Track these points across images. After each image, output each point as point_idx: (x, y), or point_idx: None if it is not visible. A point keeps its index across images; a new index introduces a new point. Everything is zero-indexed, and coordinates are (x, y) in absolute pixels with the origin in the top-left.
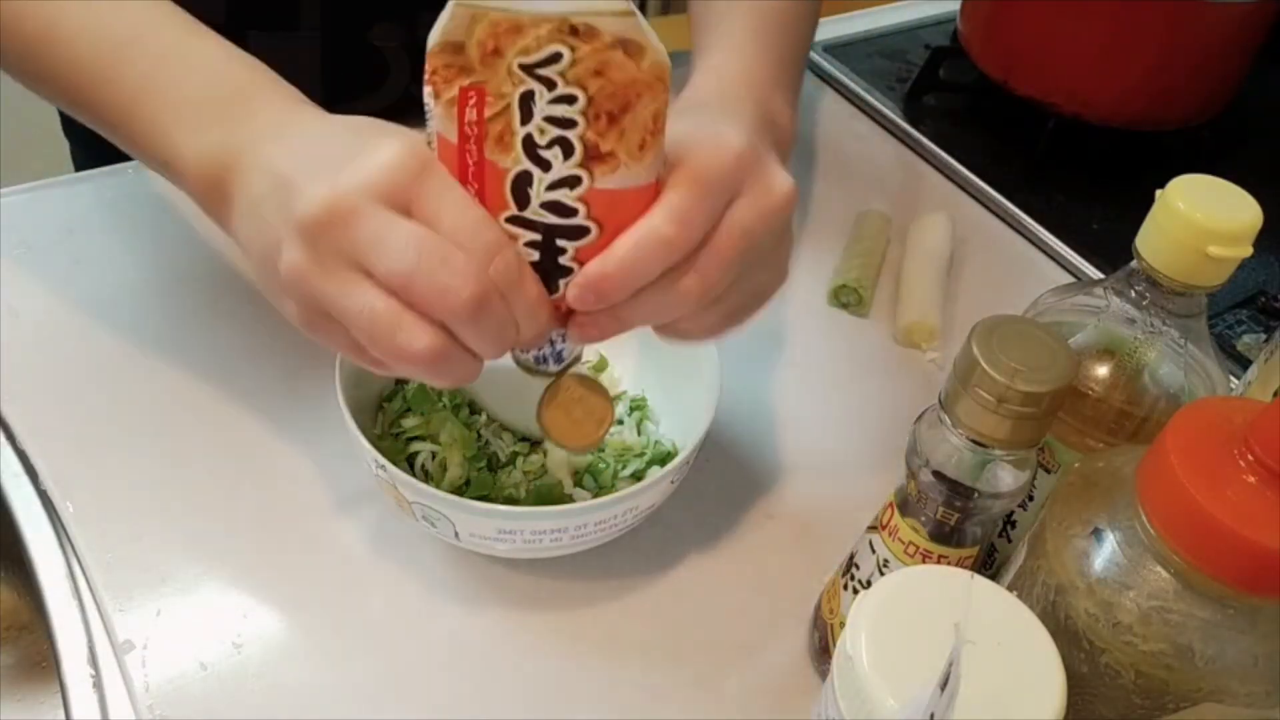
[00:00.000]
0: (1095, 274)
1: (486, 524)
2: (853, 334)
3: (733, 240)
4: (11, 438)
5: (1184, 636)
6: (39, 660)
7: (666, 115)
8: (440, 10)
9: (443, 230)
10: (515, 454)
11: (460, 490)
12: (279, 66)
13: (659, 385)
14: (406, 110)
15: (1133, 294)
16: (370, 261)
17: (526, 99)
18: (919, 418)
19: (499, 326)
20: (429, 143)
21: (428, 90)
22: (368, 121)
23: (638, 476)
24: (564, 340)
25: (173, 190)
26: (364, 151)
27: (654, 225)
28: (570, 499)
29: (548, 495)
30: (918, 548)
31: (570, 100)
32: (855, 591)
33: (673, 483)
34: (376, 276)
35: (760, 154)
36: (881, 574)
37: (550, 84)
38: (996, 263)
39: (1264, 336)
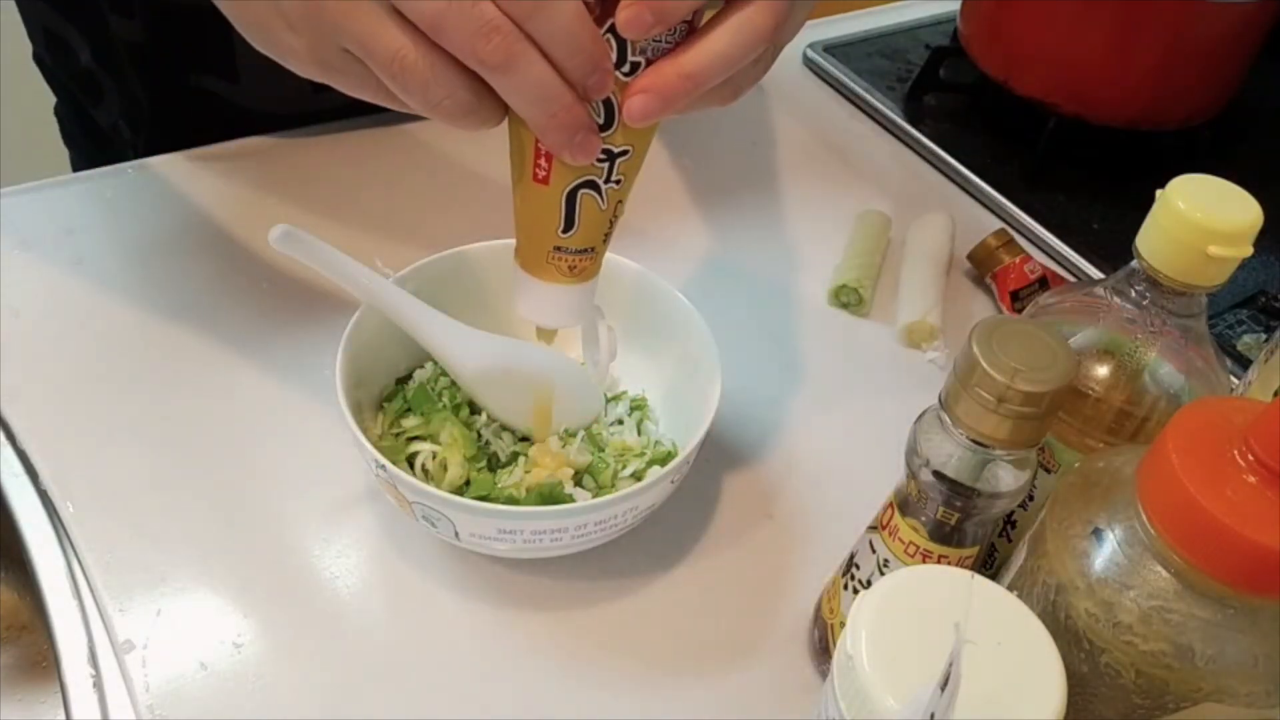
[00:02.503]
0: (1095, 274)
1: (486, 524)
2: (853, 334)
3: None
4: (11, 438)
5: (1184, 636)
6: (39, 660)
7: None
8: None
9: None
10: (515, 454)
11: (460, 490)
12: (268, 61)
13: (659, 385)
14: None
15: (1133, 294)
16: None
17: None
18: (919, 418)
19: (539, 79)
20: None
21: None
22: None
23: (638, 476)
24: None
25: (173, 191)
26: None
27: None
28: (570, 499)
29: (548, 495)
30: (918, 548)
31: None
32: (855, 591)
33: (673, 483)
34: (405, 13)
35: None
36: (881, 574)
37: None
38: None
39: (1264, 336)
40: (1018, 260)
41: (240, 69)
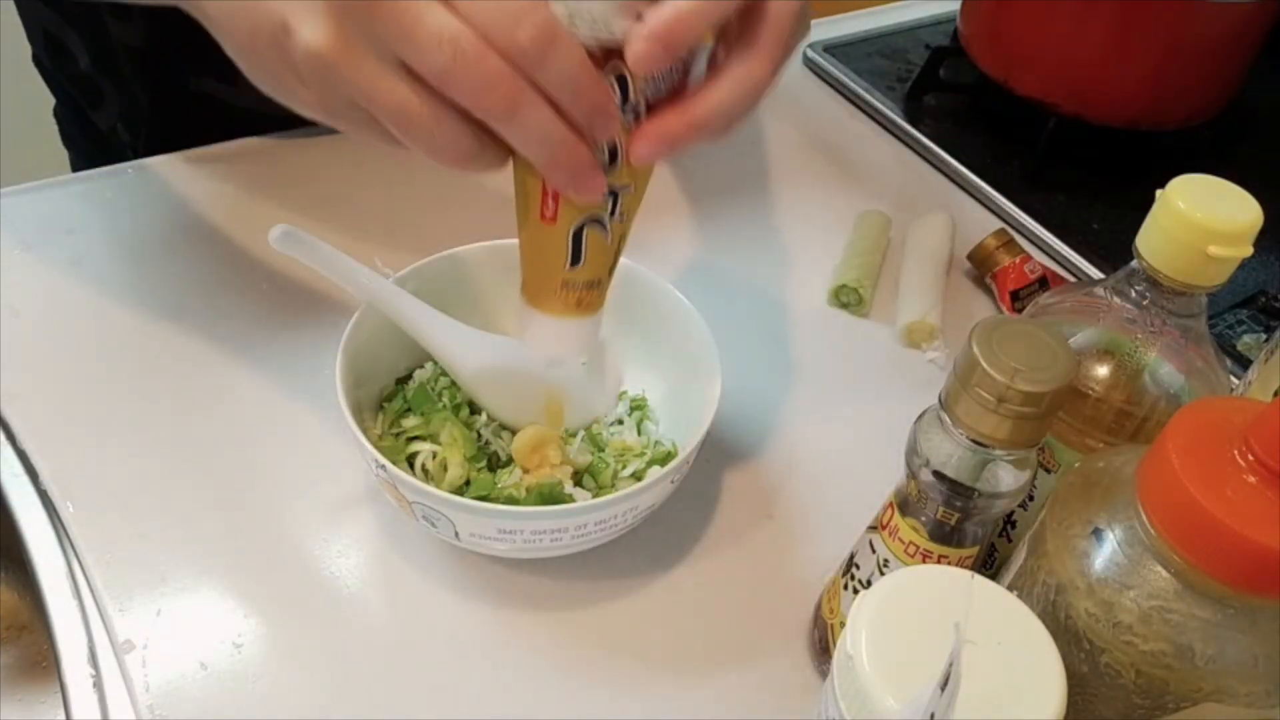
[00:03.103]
0: (1095, 274)
1: (486, 524)
2: (853, 334)
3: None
4: (11, 438)
5: (1184, 636)
6: (39, 660)
7: None
8: None
9: (478, 24)
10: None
11: (460, 490)
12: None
13: (659, 385)
14: None
15: (1133, 294)
16: (405, 53)
17: None
18: (919, 418)
19: (544, 125)
20: None
21: None
22: None
23: (638, 476)
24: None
25: (172, 191)
26: None
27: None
28: (570, 499)
29: (548, 495)
30: (918, 548)
31: None
32: (855, 591)
33: (673, 483)
34: (411, 68)
35: None
36: (881, 574)
37: None
38: None
39: (1264, 336)
40: (1018, 260)
41: (239, 71)
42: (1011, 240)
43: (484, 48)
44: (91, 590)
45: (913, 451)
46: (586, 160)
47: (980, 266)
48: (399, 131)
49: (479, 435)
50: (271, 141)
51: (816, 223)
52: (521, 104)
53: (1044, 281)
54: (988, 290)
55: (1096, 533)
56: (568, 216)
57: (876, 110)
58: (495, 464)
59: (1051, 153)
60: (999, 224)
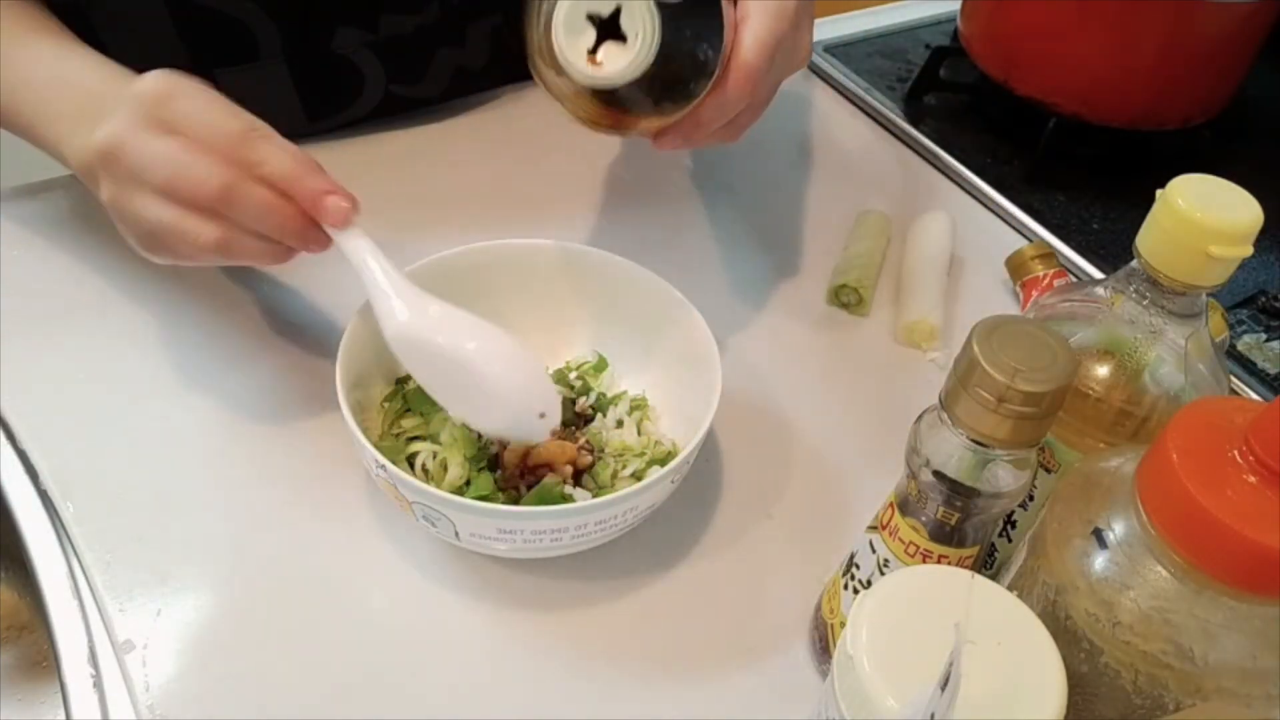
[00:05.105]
0: (1095, 274)
1: (486, 524)
2: (853, 334)
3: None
4: (11, 438)
5: (1184, 636)
6: (39, 660)
7: None
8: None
9: (193, 136)
10: None
11: (460, 490)
12: (252, 100)
13: (659, 385)
14: (391, 111)
15: (1133, 294)
16: (145, 179)
17: None
18: (919, 418)
19: (259, 206)
20: None
21: None
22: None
23: (638, 476)
24: None
25: None
26: (126, 90)
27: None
28: (570, 499)
29: (548, 495)
30: (918, 548)
31: None
32: (855, 591)
33: (673, 483)
34: (153, 189)
35: None
36: (881, 574)
37: None
38: (996, 263)
39: (1264, 336)
40: (1050, 274)
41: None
42: (1050, 254)
43: (196, 156)
44: (91, 590)
45: (913, 451)
46: (304, 224)
47: (1014, 273)
48: (166, 240)
49: (479, 435)
50: None
51: (816, 223)
52: (235, 190)
53: None
54: (1011, 294)
55: (1096, 533)
56: None
57: (876, 110)
58: (495, 464)
59: (1051, 153)
60: (999, 224)
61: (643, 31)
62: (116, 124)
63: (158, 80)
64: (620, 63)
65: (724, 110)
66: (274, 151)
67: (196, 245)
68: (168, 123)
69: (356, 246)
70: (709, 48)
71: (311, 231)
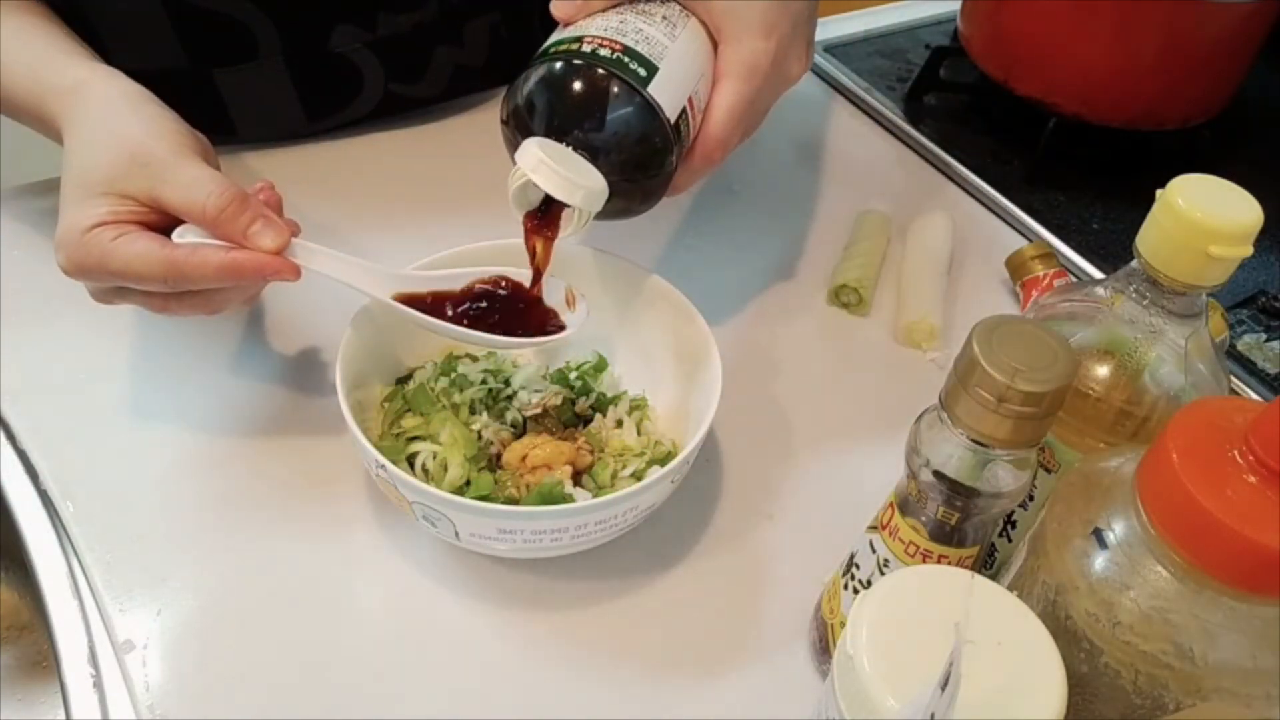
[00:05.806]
0: (1095, 274)
1: (486, 524)
2: (853, 334)
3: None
4: (11, 438)
5: (1184, 636)
6: (39, 660)
7: None
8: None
9: (124, 264)
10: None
11: (460, 490)
12: (252, 100)
13: (659, 385)
14: (391, 111)
15: (1133, 294)
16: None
17: None
18: (919, 418)
19: (193, 300)
20: None
21: None
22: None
23: (638, 476)
24: None
25: None
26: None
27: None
28: (570, 499)
29: (548, 495)
30: (918, 548)
31: None
32: (855, 591)
33: (673, 483)
34: (113, 289)
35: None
36: (881, 574)
37: None
38: (996, 263)
39: (1264, 336)
40: (1050, 274)
41: (235, 121)
42: (1050, 254)
43: (135, 279)
44: (91, 590)
45: (913, 451)
46: (263, 264)
47: (1014, 273)
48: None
49: (479, 435)
50: (271, 146)
51: (816, 223)
52: (182, 279)
53: None
54: (1011, 293)
55: (1096, 533)
56: None
57: (876, 110)
58: (495, 464)
59: (1051, 153)
60: (999, 224)
61: (576, 217)
62: (60, 258)
63: (65, 264)
64: (565, 229)
65: (693, 177)
66: (198, 266)
67: (173, 315)
68: (97, 278)
69: (312, 257)
70: (661, 161)
71: (276, 269)
